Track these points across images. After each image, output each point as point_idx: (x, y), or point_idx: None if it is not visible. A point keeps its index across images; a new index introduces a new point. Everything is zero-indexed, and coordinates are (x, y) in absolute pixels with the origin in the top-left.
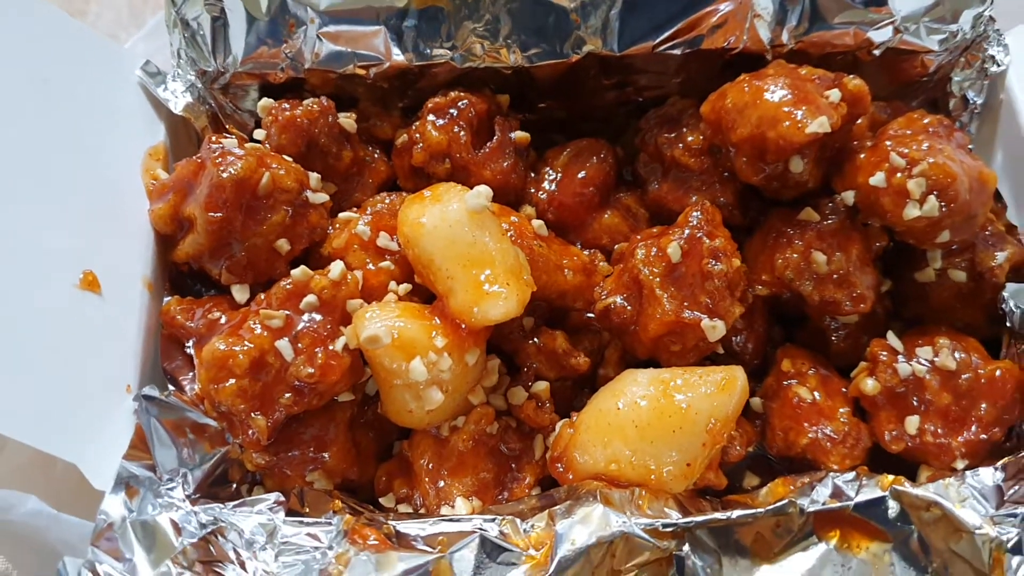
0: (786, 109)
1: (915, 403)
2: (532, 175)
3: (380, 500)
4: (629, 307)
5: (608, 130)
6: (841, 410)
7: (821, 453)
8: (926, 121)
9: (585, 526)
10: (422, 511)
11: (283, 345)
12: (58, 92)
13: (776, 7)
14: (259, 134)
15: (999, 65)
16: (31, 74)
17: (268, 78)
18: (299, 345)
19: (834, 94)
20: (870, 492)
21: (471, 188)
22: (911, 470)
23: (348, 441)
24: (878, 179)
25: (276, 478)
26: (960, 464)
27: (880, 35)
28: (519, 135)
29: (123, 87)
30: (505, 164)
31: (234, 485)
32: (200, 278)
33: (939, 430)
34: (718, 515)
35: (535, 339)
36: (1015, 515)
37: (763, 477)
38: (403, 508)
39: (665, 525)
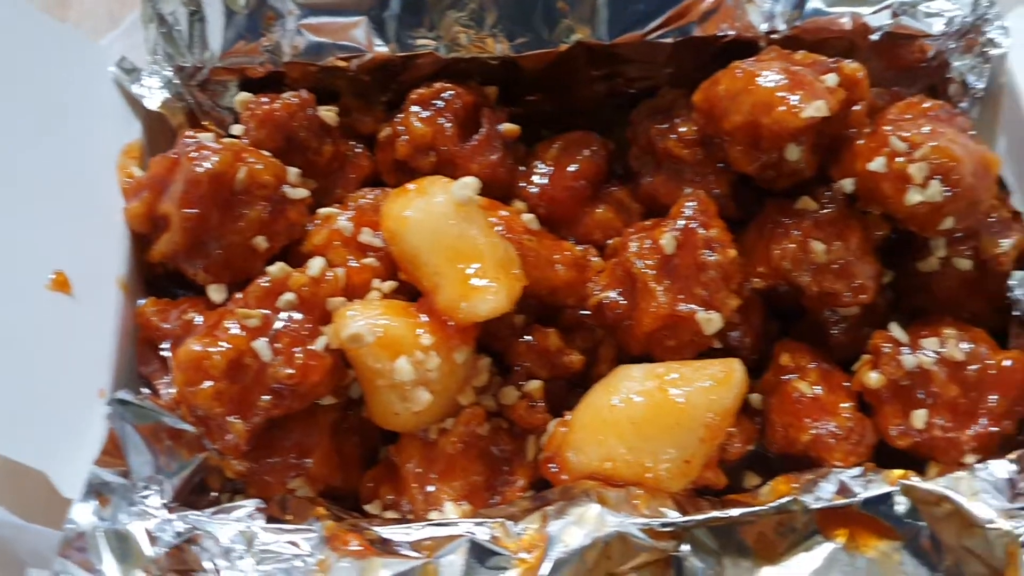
0: (780, 94)
1: (921, 396)
2: (521, 169)
3: (366, 507)
4: (623, 302)
5: (596, 124)
6: (843, 405)
7: (824, 450)
8: (926, 105)
9: (580, 527)
10: (410, 517)
11: (260, 345)
12: (29, 88)
13: None
14: (237, 129)
15: (999, 48)
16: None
17: (247, 73)
18: (277, 345)
19: (831, 78)
20: (878, 488)
21: None
22: (917, 467)
23: (331, 446)
24: (878, 164)
25: (258, 486)
26: (970, 459)
27: (877, 19)
28: (508, 127)
29: (98, 84)
30: (493, 157)
31: (213, 493)
32: (177, 279)
33: (947, 423)
34: (718, 513)
35: (526, 337)
36: None
37: (764, 476)
38: (390, 514)
39: (663, 524)
